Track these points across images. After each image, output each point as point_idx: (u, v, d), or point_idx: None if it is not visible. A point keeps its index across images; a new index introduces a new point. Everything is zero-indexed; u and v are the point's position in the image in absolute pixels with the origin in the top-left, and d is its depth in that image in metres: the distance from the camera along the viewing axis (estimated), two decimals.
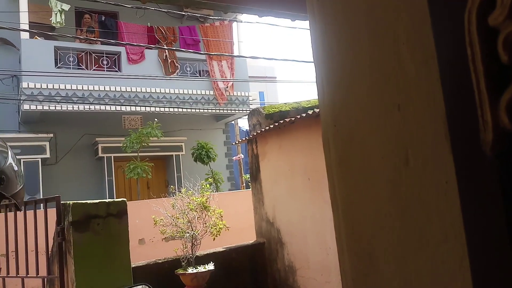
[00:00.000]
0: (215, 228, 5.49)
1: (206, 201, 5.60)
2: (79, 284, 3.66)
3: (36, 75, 9.59)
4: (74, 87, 10.17)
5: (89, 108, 10.33)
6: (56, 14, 10.34)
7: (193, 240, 5.27)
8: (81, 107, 10.23)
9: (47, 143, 10.50)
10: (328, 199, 0.86)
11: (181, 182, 10.08)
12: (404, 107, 0.62)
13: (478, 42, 0.45)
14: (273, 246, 5.79)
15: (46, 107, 9.88)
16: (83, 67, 10.87)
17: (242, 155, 13.36)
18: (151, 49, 11.02)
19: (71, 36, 8.77)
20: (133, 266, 4.36)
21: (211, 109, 11.93)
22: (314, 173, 4.82)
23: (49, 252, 4.07)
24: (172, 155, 12.07)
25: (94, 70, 10.83)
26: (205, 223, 5.50)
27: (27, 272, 3.84)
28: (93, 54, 10.99)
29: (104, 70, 10.90)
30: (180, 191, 5.79)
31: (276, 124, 5.35)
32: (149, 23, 11.71)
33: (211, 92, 11.92)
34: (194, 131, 12.24)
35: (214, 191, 8.35)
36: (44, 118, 10.47)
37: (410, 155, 0.61)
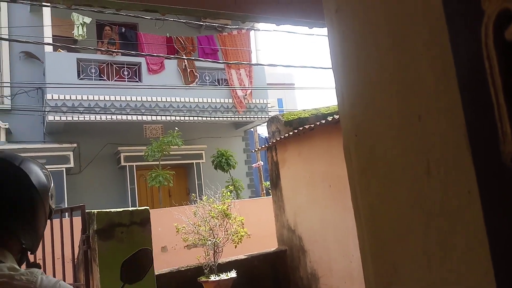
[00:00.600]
0: (237, 236, 5.51)
1: (227, 209, 5.63)
2: None
3: (59, 87, 9.83)
4: (96, 97, 10.39)
5: (111, 118, 10.52)
6: (78, 27, 10.61)
7: (215, 247, 5.30)
8: (103, 117, 10.43)
9: (71, 153, 10.74)
10: (350, 206, 0.87)
11: (202, 189, 10.17)
12: (425, 118, 0.63)
13: (495, 56, 0.46)
14: (295, 254, 5.76)
15: (69, 118, 10.11)
16: (105, 78, 11.08)
17: (262, 162, 13.37)
18: (171, 59, 11.15)
19: (93, 48, 8.99)
20: (157, 273, 4.40)
21: (230, 117, 12.00)
22: (335, 180, 4.79)
23: (75, 260, 4.15)
24: (193, 163, 12.18)
25: (115, 80, 11.04)
26: (227, 231, 5.53)
27: None
28: (114, 65, 11.21)
29: (125, 81, 11.11)
30: (202, 199, 5.83)
31: (296, 131, 5.35)
32: (168, 34, 11.89)
33: (230, 100, 12.00)
34: (214, 139, 12.33)
35: (235, 198, 8.37)
36: (68, 129, 10.71)
37: (431, 165, 0.62)
